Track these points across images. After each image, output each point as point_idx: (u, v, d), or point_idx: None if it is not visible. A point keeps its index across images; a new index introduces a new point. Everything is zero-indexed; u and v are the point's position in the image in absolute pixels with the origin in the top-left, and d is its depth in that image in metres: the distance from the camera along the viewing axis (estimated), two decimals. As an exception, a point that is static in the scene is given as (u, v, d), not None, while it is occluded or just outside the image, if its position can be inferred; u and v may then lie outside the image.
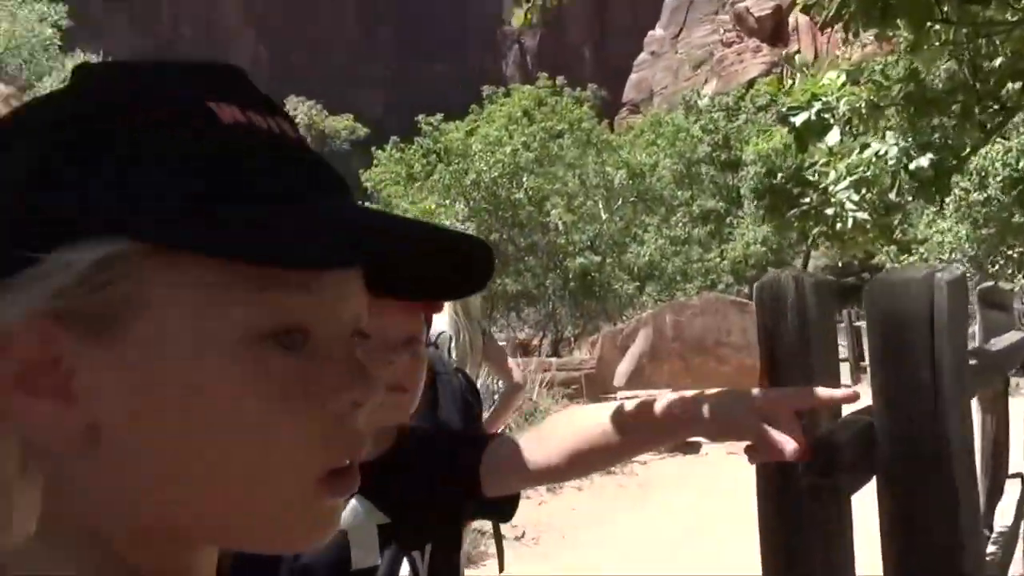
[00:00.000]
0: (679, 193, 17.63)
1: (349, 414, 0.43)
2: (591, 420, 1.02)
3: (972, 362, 1.59)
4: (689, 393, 0.97)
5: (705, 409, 0.92)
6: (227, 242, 0.37)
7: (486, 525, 5.71)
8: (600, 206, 16.85)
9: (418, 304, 1.13)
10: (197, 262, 0.38)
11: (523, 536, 5.72)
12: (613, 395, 9.12)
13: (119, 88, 0.41)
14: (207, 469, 0.40)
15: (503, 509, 1.16)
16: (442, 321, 2.93)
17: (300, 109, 28.61)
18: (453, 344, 2.94)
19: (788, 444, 0.84)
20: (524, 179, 14.97)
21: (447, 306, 3.08)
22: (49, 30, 24.46)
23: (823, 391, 0.88)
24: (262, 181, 0.40)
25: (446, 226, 0.77)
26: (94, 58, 26.67)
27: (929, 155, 3.59)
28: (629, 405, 1.01)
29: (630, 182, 16.76)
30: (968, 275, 13.66)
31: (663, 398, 0.99)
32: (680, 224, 17.01)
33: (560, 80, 17.87)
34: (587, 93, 19.03)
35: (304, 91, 31.95)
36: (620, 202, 16.97)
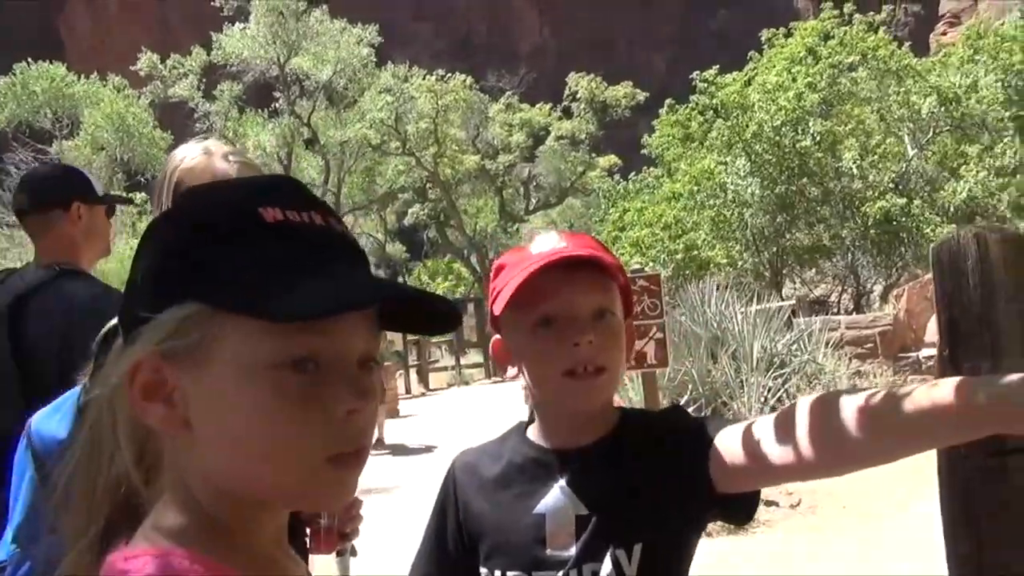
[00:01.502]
0: (1007, 114, 15.03)
1: (347, 417, 0.61)
2: (853, 408, 0.86)
3: None
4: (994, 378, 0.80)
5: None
6: (252, 306, 0.58)
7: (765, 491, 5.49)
8: (906, 141, 15.01)
9: (608, 272, 1.04)
10: (241, 318, 0.58)
11: (799, 504, 5.39)
12: (915, 353, 8.19)
13: (198, 207, 0.64)
14: (250, 449, 0.60)
15: (738, 510, 1.03)
16: None
17: (580, 84, 29.20)
18: None
19: None
20: (811, 124, 13.84)
21: None
22: (366, 50, 27.69)
23: None
24: (285, 260, 0.60)
25: (423, 288, 0.89)
26: (403, 69, 29.68)
27: None
28: (905, 391, 0.84)
29: (942, 109, 14.67)
30: None
31: (950, 382, 0.81)
32: (1010, 151, 14.51)
33: (848, 7, 16.12)
34: (882, 16, 16.96)
35: (589, 65, 32.57)
36: (930, 134, 14.96)
